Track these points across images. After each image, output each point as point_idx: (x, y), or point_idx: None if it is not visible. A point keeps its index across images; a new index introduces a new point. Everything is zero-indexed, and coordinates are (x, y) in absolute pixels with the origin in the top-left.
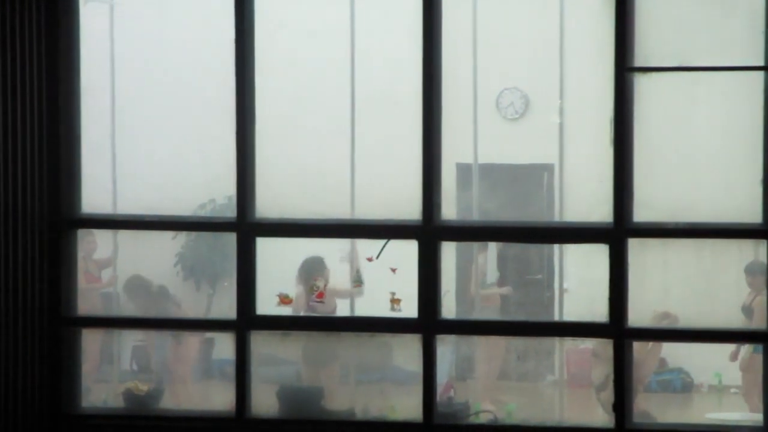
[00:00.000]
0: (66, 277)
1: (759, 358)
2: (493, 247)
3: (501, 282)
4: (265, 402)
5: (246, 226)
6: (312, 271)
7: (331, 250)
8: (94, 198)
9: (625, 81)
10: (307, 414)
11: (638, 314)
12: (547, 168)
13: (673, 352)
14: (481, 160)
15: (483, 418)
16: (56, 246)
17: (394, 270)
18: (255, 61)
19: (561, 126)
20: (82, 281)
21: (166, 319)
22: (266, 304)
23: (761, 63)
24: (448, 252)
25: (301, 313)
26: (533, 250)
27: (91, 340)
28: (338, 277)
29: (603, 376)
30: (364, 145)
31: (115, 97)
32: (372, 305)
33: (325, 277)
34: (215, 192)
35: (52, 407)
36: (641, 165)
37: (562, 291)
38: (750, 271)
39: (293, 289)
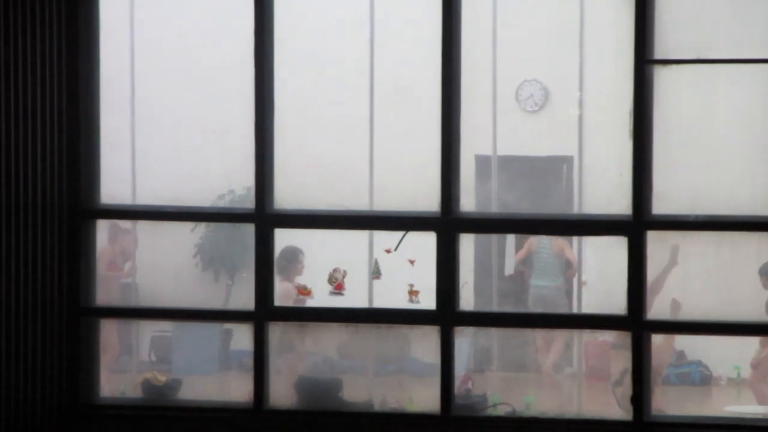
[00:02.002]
0: (85, 268)
1: None
2: (511, 238)
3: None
4: (283, 393)
5: (264, 217)
6: (287, 262)
7: (348, 241)
8: (113, 189)
9: (645, 73)
10: (325, 405)
11: (657, 307)
12: (567, 160)
13: (692, 344)
14: (500, 152)
15: (501, 411)
16: (75, 236)
17: (412, 262)
18: (274, 52)
19: (580, 118)
20: (104, 268)
21: (185, 309)
22: (284, 296)
23: None
24: (467, 244)
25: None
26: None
27: (109, 331)
28: (355, 268)
29: (618, 372)
30: (383, 137)
31: (135, 87)
32: (390, 297)
33: (301, 268)
34: (234, 183)
35: (70, 397)
36: (660, 157)
37: (580, 283)
38: (764, 272)
39: (311, 281)
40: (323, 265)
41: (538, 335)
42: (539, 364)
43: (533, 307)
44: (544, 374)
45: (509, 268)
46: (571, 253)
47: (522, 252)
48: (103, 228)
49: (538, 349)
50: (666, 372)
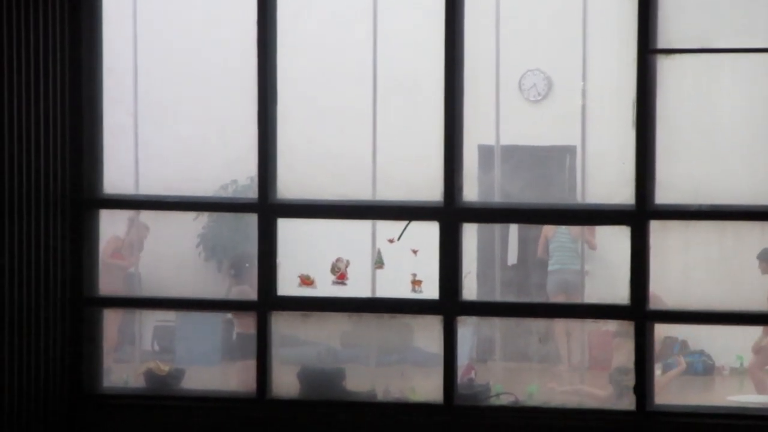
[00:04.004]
0: (88, 257)
1: None
2: (514, 228)
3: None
4: (286, 383)
5: (267, 207)
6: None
7: (351, 231)
8: (116, 178)
9: (648, 63)
10: (328, 395)
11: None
12: (570, 150)
13: (695, 334)
14: (504, 141)
15: (504, 400)
16: (78, 226)
17: (415, 251)
18: (277, 42)
19: (583, 108)
20: (108, 256)
21: (188, 299)
22: (287, 285)
23: None
24: (470, 234)
25: None
26: None
27: (112, 320)
28: (358, 258)
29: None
30: (386, 127)
31: (138, 77)
32: (393, 287)
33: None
34: (237, 173)
35: (73, 387)
36: (663, 147)
37: (583, 273)
38: (763, 257)
39: (314, 270)
40: (326, 255)
41: (556, 326)
42: (559, 356)
43: (553, 293)
44: (564, 367)
45: (512, 258)
46: (592, 236)
47: (540, 241)
48: (105, 217)
49: (557, 341)
50: (669, 362)
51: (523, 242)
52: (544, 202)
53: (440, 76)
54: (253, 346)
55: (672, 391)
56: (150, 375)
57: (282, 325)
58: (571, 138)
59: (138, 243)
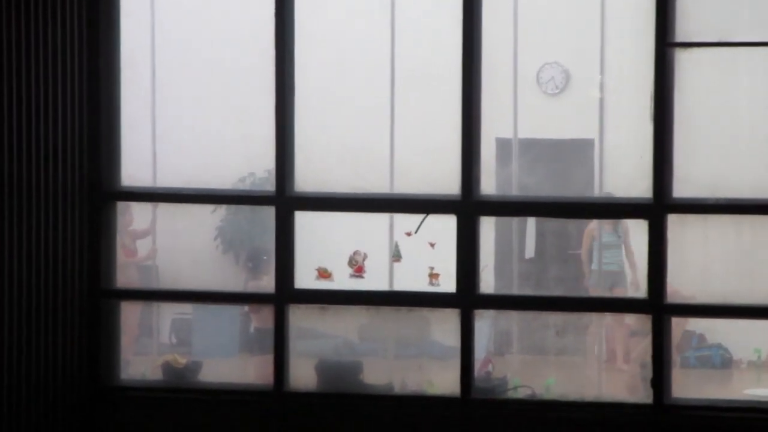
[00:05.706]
0: (105, 250)
1: None
2: (532, 221)
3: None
4: (303, 375)
5: (285, 200)
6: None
7: (369, 224)
8: (134, 171)
9: (666, 56)
10: (345, 388)
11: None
12: (587, 143)
13: (713, 327)
14: (521, 134)
15: (521, 393)
16: (96, 218)
17: (432, 245)
18: (295, 35)
19: (601, 101)
20: (121, 256)
21: (205, 291)
22: (305, 278)
23: None
24: (487, 227)
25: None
26: (572, 225)
27: (130, 313)
28: (376, 251)
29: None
30: (404, 120)
31: (156, 69)
32: (410, 280)
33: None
34: (255, 165)
35: (91, 379)
36: (681, 141)
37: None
38: None
39: (331, 263)
40: (344, 248)
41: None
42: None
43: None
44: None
45: (529, 251)
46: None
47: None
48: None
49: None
50: (687, 355)
51: (540, 235)
52: (561, 195)
53: (458, 68)
54: (270, 340)
55: (689, 384)
56: (167, 367)
57: (299, 317)
58: (589, 131)
59: (137, 231)
